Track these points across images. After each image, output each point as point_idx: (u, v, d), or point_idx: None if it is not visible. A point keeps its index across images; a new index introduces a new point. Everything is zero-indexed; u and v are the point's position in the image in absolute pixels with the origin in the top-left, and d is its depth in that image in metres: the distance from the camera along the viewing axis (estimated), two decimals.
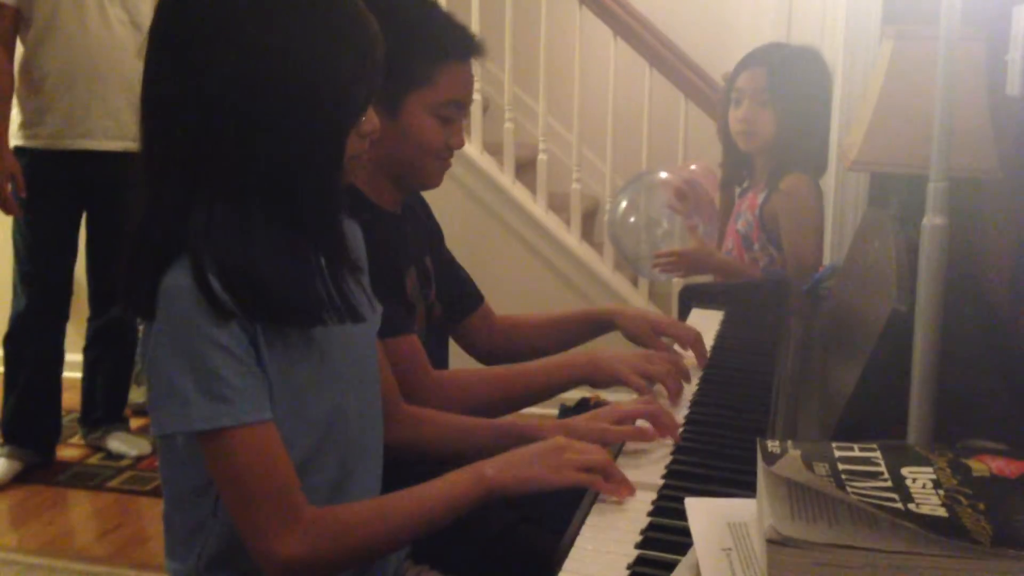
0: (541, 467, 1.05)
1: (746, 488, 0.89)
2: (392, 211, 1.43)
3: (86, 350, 2.99)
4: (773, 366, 1.44)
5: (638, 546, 0.97)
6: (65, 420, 3.05)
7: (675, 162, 3.00)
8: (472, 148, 3.31)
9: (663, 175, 2.59)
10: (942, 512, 0.70)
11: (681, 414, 1.35)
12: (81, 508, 2.76)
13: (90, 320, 2.98)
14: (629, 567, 0.94)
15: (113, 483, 2.84)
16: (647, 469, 1.16)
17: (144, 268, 0.99)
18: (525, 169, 3.45)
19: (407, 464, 1.23)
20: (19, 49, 2.74)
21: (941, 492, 0.73)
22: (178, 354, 0.96)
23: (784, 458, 0.75)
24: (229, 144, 0.97)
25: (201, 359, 0.95)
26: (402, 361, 1.33)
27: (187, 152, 0.98)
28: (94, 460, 2.98)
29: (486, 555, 1.30)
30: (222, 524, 1.05)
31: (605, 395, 2.54)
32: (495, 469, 1.05)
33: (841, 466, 0.76)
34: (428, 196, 1.57)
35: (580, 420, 1.25)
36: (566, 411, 2.49)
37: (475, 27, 3.26)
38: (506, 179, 3.33)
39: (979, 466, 0.77)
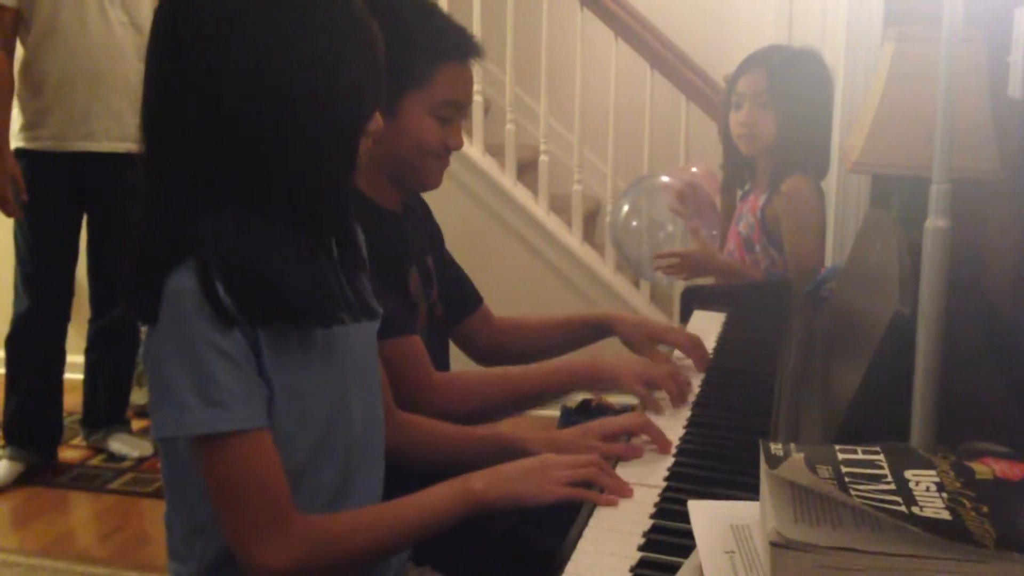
0: (529, 483, 1.06)
1: (749, 490, 0.89)
2: (393, 211, 1.44)
3: (87, 351, 2.99)
4: (775, 368, 1.44)
5: (641, 548, 0.97)
6: (67, 422, 3.05)
7: (676, 163, 3.00)
8: (473, 149, 3.31)
9: (664, 178, 2.59)
10: (946, 515, 0.70)
11: (683, 416, 1.35)
12: (82, 510, 2.76)
13: (91, 321, 2.98)
14: (632, 569, 0.94)
15: (115, 485, 2.84)
16: (649, 470, 1.16)
17: (148, 270, 0.98)
18: (526, 170, 3.45)
19: (406, 470, 1.23)
20: (19, 51, 2.74)
21: (944, 495, 0.73)
22: (178, 357, 0.96)
23: (787, 461, 0.75)
24: (240, 149, 0.97)
25: (200, 363, 0.95)
26: (404, 361, 1.33)
27: (195, 157, 0.97)
28: (96, 462, 2.98)
29: (488, 557, 1.30)
30: None
31: (607, 397, 2.54)
32: (483, 483, 1.06)
33: (844, 469, 0.76)
34: (429, 197, 1.57)
35: (569, 435, 1.24)
36: (568, 412, 2.50)
37: (476, 28, 3.26)
38: (507, 180, 3.33)
39: (982, 469, 0.77)
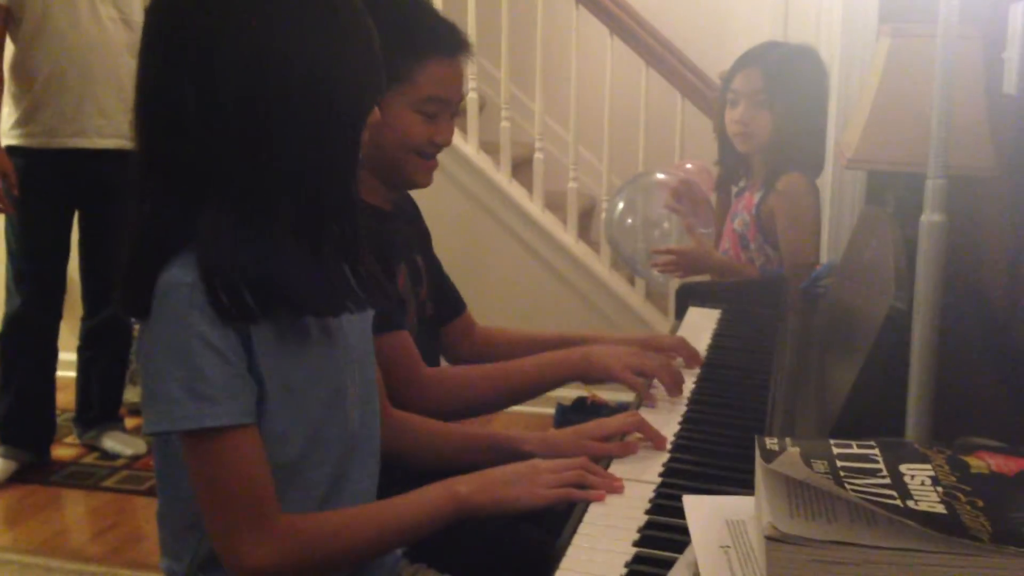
0: (516, 488, 1.06)
1: (744, 486, 0.89)
2: (382, 208, 1.43)
3: (80, 349, 2.99)
4: (770, 364, 1.44)
5: (636, 544, 0.97)
6: (60, 419, 3.04)
7: (672, 161, 3.00)
8: (468, 147, 3.31)
9: (660, 176, 2.59)
10: (941, 509, 0.70)
11: (679, 412, 1.35)
12: (76, 507, 2.76)
13: (84, 319, 2.97)
14: (627, 565, 0.94)
15: (108, 482, 2.83)
16: (645, 465, 1.16)
17: (144, 267, 0.98)
18: (521, 168, 3.45)
19: (399, 468, 1.23)
20: (10, 47, 2.73)
21: (940, 489, 0.73)
22: (169, 352, 0.95)
23: (783, 455, 0.75)
24: (239, 145, 0.96)
25: (191, 358, 0.95)
26: (395, 356, 1.32)
27: (192, 153, 0.97)
28: (89, 459, 2.98)
29: (483, 553, 1.30)
30: None
31: (602, 395, 2.54)
32: (470, 488, 1.05)
33: (840, 463, 0.76)
34: (425, 194, 1.57)
35: (564, 436, 1.24)
36: (563, 410, 2.50)
37: (472, 25, 3.26)
38: (502, 178, 3.33)
39: (977, 463, 0.77)
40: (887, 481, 0.74)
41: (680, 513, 0.89)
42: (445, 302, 1.61)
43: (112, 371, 3.01)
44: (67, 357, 2.99)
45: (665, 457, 1.19)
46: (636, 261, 2.65)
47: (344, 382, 1.08)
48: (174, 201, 0.98)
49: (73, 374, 3.02)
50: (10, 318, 2.84)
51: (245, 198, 0.97)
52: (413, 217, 1.58)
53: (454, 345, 1.64)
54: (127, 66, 2.65)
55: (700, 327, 1.74)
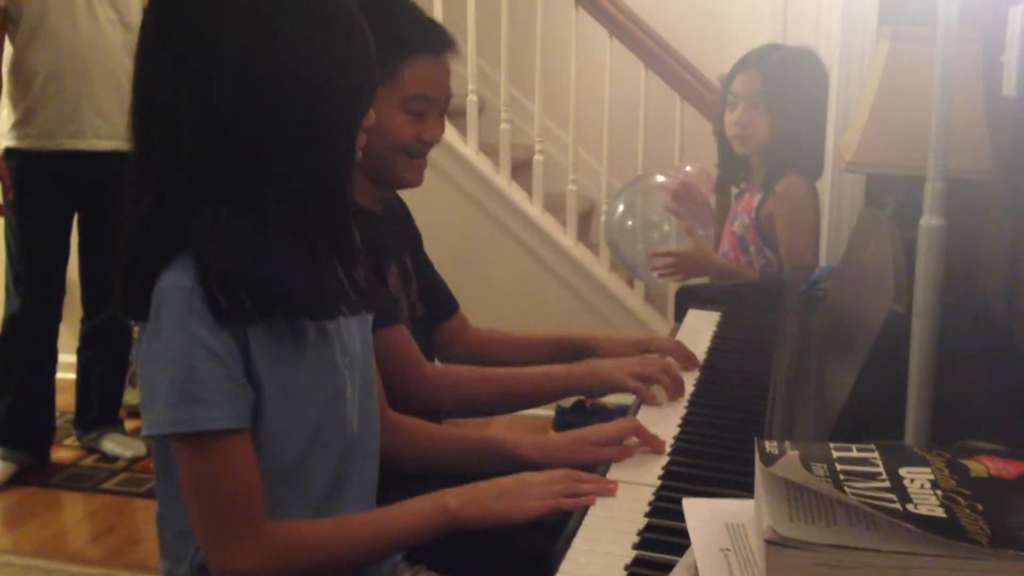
0: (505, 502, 1.06)
1: (743, 489, 0.89)
2: (372, 209, 1.43)
3: (80, 351, 2.98)
4: (770, 367, 1.44)
5: (635, 547, 0.97)
6: (59, 422, 3.04)
7: (671, 163, 3.00)
8: (468, 149, 3.31)
9: (659, 179, 2.59)
10: (940, 513, 0.70)
11: (678, 415, 1.35)
12: (75, 510, 2.75)
13: (83, 321, 2.97)
14: (626, 567, 0.94)
15: (108, 485, 2.83)
16: (644, 469, 1.16)
17: (142, 268, 0.98)
18: (521, 170, 3.45)
19: (396, 471, 1.23)
20: (8, 49, 2.73)
21: (939, 492, 0.73)
22: (166, 354, 0.95)
23: (782, 459, 0.75)
24: (235, 147, 0.96)
25: (188, 361, 0.95)
26: (393, 352, 1.32)
27: (188, 154, 0.97)
28: (89, 462, 2.97)
29: (483, 555, 1.30)
30: None
31: (601, 397, 2.54)
32: (460, 502, 1.05)
33: (839, 466, 0.76)
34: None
35: (562, 440, 1.23)
36: (563, 412, 2.50)
37: (471, 27, 3.26)
38: (502, 180, 3.33)
39: (977, 467, 0.77)
40: (887, 485, 0.74)
41: (680, 516, 0.89)
42: (437, 302, 1.61)
43: (112, 373, 3.01)
44: (67, 359, 2.99)
45: (665, 460, 1.19)
46: (636, 264, 2.65)
47: (342, 384, 1.08)
48: (170, 203, 0.98)
49: (73, 376, 3.02)
50: (9, 320, 2.84)
51: (240, 200, 0.97)
52: (403, 218, 1.58)
53: (447, 345, 1.63)
54: (125, 67, 2.65)
55: (699, 329, 1.74)
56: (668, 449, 1.22)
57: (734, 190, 2.37)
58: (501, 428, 3.13)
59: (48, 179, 2.75)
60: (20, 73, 2.71)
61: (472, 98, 3.32)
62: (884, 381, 0.98)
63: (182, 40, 0.98)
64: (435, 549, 1.26)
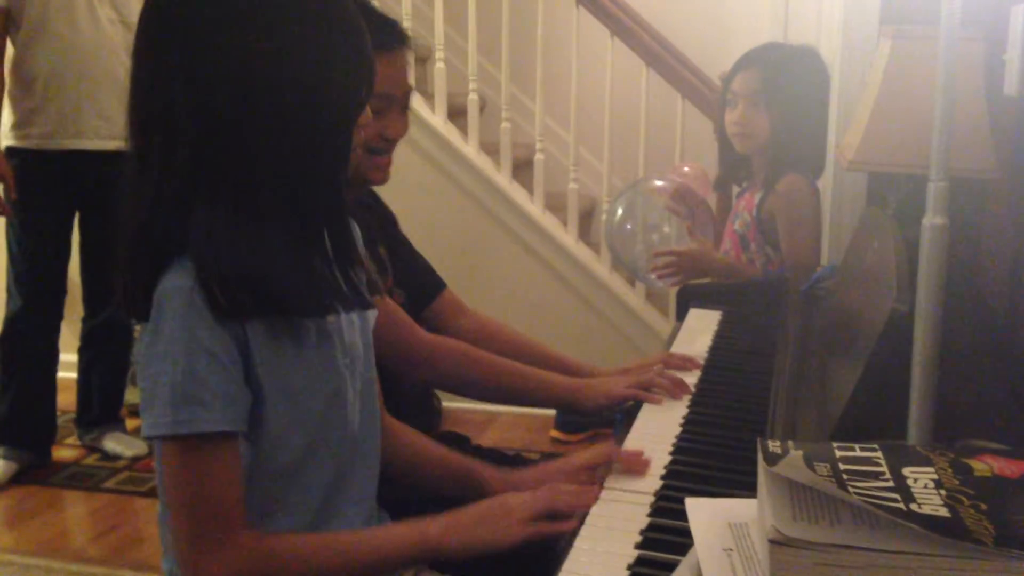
0: (486, 529, 1.05)
1: (746, 488, 0.89)
2: None
3: (81, 350, 2.99)
4: (772, 366, 1.44)
5: (638, 546, 0.97)
6: (61, 421, 3.04)
7: (672, 162, 3.00)
8: (469, 148, 3.31)
9: (657, 183, 2.59)
10: (944, 512, 0.70)
11: (680, 414, 1.35)
12: (77, 509, 2.75)
13: (85, 320, 2.97)
14: (629, 567, 0.94)
15: (109, 484, 2.83)
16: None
17: (142, 269, 0.98)
18: (522, 169, 3.45)
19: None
20: (9, 49, 2.73)
21: (943, 492, 0.73)
22: (166, 356, 0.95)
23: (786, 458, 0.75)
24: (232, 147, 0.96)
25: (187, 362, 0.94)
26: (384, 319, 1.30)
27: (185, 154, 0.97)
28: (90, 461, 2.98)
29: (485, 555, 1.30)
30: None
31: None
32: (440, 531, 1.04)
33: (842, 466, 0.76)
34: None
35: (528, 477, 1.20)
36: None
37: (472, 26, 3.27)
38: (503, 179, 3.33)
39: (981, 466, 0.77)
40: (890, 484, 0.73)
41: (682, 515, 0.89)
42: (419, 285, 1.59)
43: (113, 372, 3.01)
44: (68, 358, 2.99)
45: (667, 459, 1.19)
46: (636, 266, 2.65)
47: (343, 384, 1.08)
48: (168, 202, 0.98)
49: (74, 375, 3.02)
50: (11, 319, 2.84)
51: (237, 198, 0.97)
52: (370, 203, 1.55)
53: (440, 327, 1.59)
54: (126, 67, 2.61)
55: (701, 329, 1.74)
56: (670, 448, 1.22)
57: (735, 189, 2.37)
58: (504, 426, 3.14)
59: (49, 179, 2.75)
60: (21, 73, 2.72)
61: (473, 97, 3.32)
62: (887, 380, 0.98)
63: (178, 38, 0.97)
64: None
